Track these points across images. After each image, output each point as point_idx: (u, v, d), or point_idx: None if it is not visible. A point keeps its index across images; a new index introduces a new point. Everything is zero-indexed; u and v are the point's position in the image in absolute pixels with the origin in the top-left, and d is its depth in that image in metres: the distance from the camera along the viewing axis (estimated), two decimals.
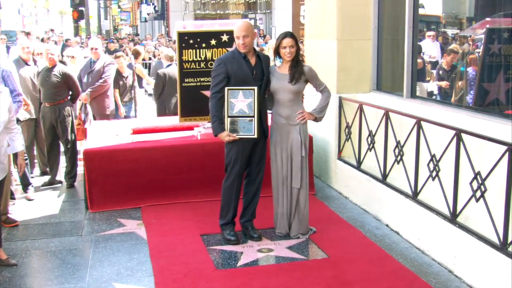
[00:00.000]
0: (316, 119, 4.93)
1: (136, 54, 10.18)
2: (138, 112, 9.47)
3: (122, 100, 8.56)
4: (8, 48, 15.87)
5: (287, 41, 4.73)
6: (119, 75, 8.49)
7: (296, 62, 4.77)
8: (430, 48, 6.79)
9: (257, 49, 5.04)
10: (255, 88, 4.64)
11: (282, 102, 4.78)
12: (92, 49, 8.05)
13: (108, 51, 16.93)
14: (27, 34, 19.42)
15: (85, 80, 7.80)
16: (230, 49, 6.07)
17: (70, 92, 6.77)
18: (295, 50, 4.74)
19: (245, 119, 4.69)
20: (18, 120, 6.11)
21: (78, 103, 7.44)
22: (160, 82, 8.06)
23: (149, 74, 10.35)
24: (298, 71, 4.74)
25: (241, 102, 4.67)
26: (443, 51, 6.51)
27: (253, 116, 4.67)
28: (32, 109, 6.90)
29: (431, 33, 6.68)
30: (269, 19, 29.46)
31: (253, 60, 4.74)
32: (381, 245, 4.78)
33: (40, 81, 6.64)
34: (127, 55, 10.09)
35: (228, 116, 4.70)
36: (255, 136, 4.69)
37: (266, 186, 5.11)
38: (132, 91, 8.82)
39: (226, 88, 4.67)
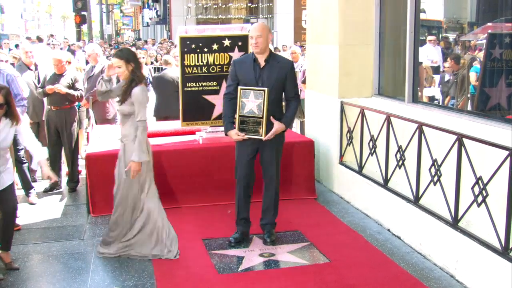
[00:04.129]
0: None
1: None
2: None
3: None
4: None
5: (113, 61, 4.54)
6: None
7: (130, 83, 4.52)
8: (432, 53, 6.80)
9: None
10: (266, 89, 4.62)
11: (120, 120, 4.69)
12: (89, 55, 8.09)
13: None
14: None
15: (85, 85, 7.81)
16: (232, 54, 6.12)
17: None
18: (123, 71, 4.49)
19: (254, 120, 4.70)
20: None
21: None
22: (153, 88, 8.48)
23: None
24: (128, 92, 4.50)
25: (252, 102, 4.68)
26: (445, 56, 6.53)
27: (262, 118, 4.67)
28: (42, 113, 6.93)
29: (432, 37, 6.69)
30: (271, 24, 29.50)
31: (262, 63, 4.74)
32: (382, 250, 4.78)
33: (50, 84, 6.65)
34: None
35: (239, 116, 4.74)
36: (262, 137, 4.69)
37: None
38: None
39: (239, 87, 4.72)
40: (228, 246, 4.86)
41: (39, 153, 4.59)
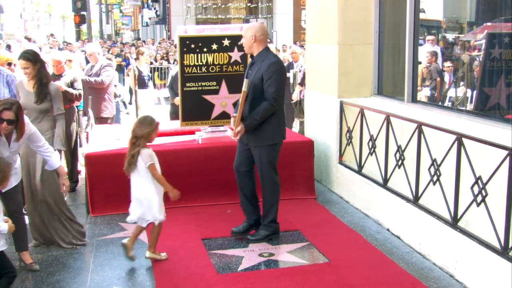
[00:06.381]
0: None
1: (138, 54, 10.19)
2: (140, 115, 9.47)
3: None
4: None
5: (21, 63, 4.79)
6: None
7: (41, 81, 4.85)
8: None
9: None
10: (245, 90, 4.70)
11: (30, 118, 4.71)
12: (90, 54, 8.11)
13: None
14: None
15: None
16: (231, 54, 6.12)
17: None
18: (31, 71, 4.80)
19: (234, 116, 4.83)
20: None
21: None
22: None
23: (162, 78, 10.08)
24: (44, 91, 4.85)
25: (240, 99, 4.83)
26: (444, 55, 6.53)
27: (234, 116, 4.78)
28: None
29: (431, 37, 6.69)
30: (270, 24, 29.51)
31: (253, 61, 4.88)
32: (382, 250, 4.79)
33: None
34: (128, 59, 10.03)
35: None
36: (230, 134, 4.76)
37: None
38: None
39: (244, 80, 4.83)
40: (228, 246, 4.87)
41: (56, 157, 4.61)
